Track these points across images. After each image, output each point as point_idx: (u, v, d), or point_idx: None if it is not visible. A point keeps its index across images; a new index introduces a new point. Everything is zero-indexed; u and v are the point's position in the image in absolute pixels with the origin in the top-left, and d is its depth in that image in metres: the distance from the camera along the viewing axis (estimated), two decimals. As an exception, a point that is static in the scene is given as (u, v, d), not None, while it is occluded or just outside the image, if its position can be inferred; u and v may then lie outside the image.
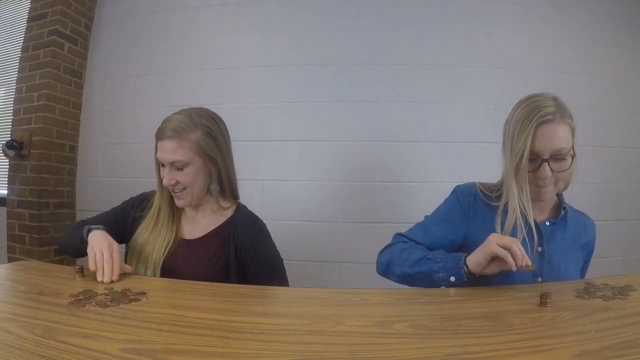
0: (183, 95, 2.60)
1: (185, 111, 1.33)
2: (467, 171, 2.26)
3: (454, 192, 1.34)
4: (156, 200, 1.41)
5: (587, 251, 1.34)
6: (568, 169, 1.16)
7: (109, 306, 0.91)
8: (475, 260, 1.10)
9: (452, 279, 1.12)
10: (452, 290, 1.09)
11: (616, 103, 2.44)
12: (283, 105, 2.45)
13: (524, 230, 1.17)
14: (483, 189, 1.29)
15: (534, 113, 1.14)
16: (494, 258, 1.06)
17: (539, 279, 1.21)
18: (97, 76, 2.90)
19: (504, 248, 1.04)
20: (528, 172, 1.17)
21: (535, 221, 1.23)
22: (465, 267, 1.12)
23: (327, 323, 0.82)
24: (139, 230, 1.40)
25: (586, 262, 1.36)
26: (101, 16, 2.94)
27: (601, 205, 2.36)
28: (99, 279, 1.11)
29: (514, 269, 1.03)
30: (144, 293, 1.01)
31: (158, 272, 1.31)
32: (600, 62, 2.46)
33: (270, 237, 1.40)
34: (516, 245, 1.04)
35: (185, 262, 1.32)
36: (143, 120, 2.69)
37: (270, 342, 0.73)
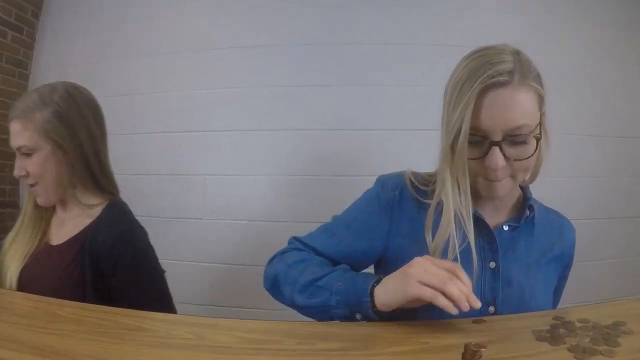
0: (120, 82, 2.24)
1: (42, 87, 1.11)
2: (436, 163, 1.82)
3: (375, 183, 0.93)
4: (25, 200, 1.17)
5: (564, 265, 0.93)
6: (531, 156, 0.76)
7: None
8: (384, 300, 0.70)
9: (358, 316, 0.73)
10: (341, 329, 0.68)
11: (619, 90, 2.00)
12: (227, 92, 2.07)
13: (456, 248, 0.77)
14: (414, 181, 0.88)
15: (481, 71, 0.74)
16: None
17: (491, 309, 0.81)
18: (44, 66, 2.54)
19: (433, 287, 0.65)
20: (470, 159, 0.76)
21: (486, 225, 0.82)
22: (372, 302, 0.71)
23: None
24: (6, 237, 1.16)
25: (562, 279, 0.95)
26: (51, 2, 2.57)
27: (595, 201, 1.93)
28: None
29: (453, 312, 0.63)
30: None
31: (14, 284, 1.06)
32: (598, 43, 2.01)
33: (143, 242, 1.10)
34: (454, 285, 0.64)
35: (41, 273, 1.06)
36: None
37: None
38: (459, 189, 0.77)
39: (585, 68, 1.99)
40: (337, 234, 0.89)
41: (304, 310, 0.80)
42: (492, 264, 0.82)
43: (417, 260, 0.69)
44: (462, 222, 0.77)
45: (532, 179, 0.86)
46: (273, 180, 2.01)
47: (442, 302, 0.62)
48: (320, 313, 0.77)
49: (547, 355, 0.57)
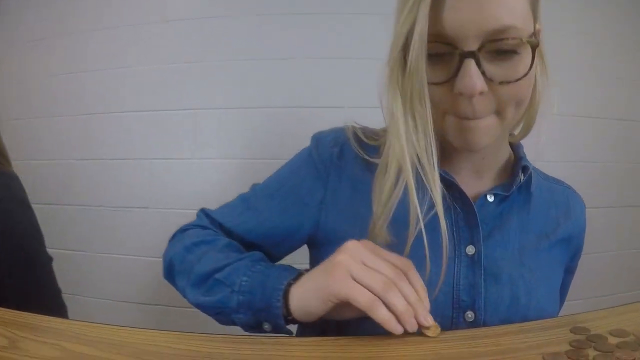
0: (73, 60, 1.97)
1: None
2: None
3: (310, 140, 0.68)
4: None
5: (571, 252, 0.67)
6: (525, 75, 0.49)
7: None
8: (301, 303, 0.48)
9: (267, 327, 0.50)
10: (228, 347, 0.42)
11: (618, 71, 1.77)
12: (177, 67, 1.81)
13: (420, 219, 0.50)
14: (361, 135, 0.63)
15: None
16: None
17: (469, 315, 0.55)
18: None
19: (371, 290, 0.43)
20: (433, 84, 0.50)
21: (461, 192, 0.57)
22: (285, 308, 0.48)
23: None
24: None
25: (568, 273, 0.69)
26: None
27: (592, 188, 1.70)
28: None
29: (396, 331, 0.43)
30: None
31: None
32: (597, 23, 1.78)
33: (22, 222, 0.88)
34: (397, 294, 0.43)
35: None
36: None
37: None
38: (415, 125, 0.50)
39: (583, 48, 1.77)
40: (255, 206, 0.64)
41: (201, 308, 0.56)
42: (471, 249, 0.56)
43: (352, 245, 0.46)
44: (423, 176, 0.50)
45: (527, 129, 0.61)
46: (227, 165, 1.78)
47: (381, 314, 0.42)
48: (218, 315, 0.54)
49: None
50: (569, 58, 1.68)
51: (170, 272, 0.62)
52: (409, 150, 0.50)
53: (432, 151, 0.50)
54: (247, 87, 1.76)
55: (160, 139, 1.80)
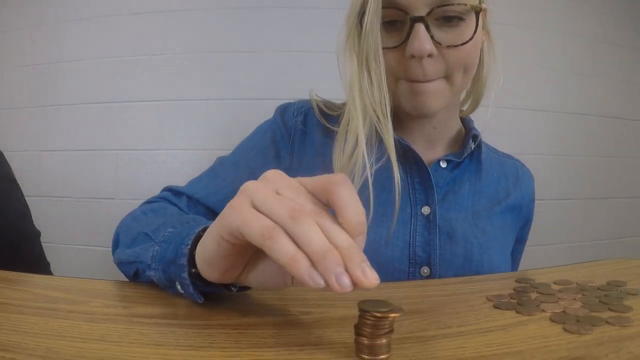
0: (41, 52, 1.92)
1: None
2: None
3: (275, 111, 0.67)
4: None
5: (521, 221, 0.67)
6: (470, 40, 0.51)
7: None
8: (201, 249, 0.34)
9: (179, 287, 0.37)
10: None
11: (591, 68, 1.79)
12: (143, 59, 1.78)
13: (367, 166, 0.51)
14: (323, 106, 0.63)
15: None
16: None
17: (425, 270, 0.56)
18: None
19: (272, 218, 0.28)
20: (387, 48, 0.52)
21: (416, 154, 0.58)
22: (186, 260, 0.35)
23: None
24: None
25: (519, 243, 0.69)
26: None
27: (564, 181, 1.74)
28: None
29: (308, 281, 0.25)
30: None
31: None
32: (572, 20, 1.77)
33: (11, 198, 0.84)
34: (307, 219, 0.27)
35: None
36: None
37: None
38: (371, 80, 0.52)
39: (557, 45, 1.79)
40: (222, 175, 0.62)
41: (119, 268, 0.49)
42: (426, 210, 0.56)
43: (272, 173, 0.31)
44: (377, 125, 0.51)
45: (475, 103, 0.63)
46: (192, 155, 1.75)
47: (280, 247, 0.26)
48: (136, 277, 0.45)
49: (516, 329, 0.31)
50: (542, 55, 1.71)
51: (114, 246, 0.54)
52: (364, 101, 0.52)
53: (386, 103, 0.52)
54: (211, 79, 1.74)
55: (125, 130, 1.76)
